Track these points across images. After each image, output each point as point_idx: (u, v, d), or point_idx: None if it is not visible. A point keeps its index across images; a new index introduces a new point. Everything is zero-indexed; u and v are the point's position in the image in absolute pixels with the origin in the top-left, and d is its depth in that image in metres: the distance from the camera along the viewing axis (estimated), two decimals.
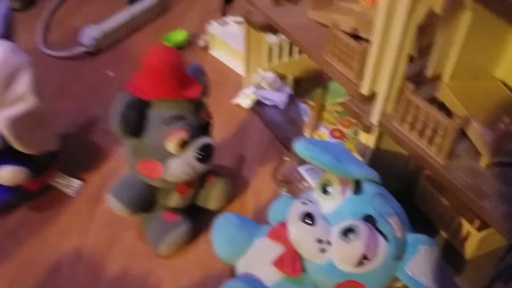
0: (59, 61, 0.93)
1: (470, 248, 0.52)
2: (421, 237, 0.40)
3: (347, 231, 0.38)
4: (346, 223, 0.39)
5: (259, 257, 0.46)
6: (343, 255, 0.38)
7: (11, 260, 0.57)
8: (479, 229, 0.50)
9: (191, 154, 0.50)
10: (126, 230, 0.61)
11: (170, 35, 0.98)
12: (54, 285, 0.55)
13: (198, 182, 0.58)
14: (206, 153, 0.51)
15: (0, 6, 0.60)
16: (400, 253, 0.39)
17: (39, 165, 0.63)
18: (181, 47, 0.97)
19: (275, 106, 0.80)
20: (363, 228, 0.37)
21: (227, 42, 0.92)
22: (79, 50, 0.93)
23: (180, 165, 0.50)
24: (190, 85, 0.49)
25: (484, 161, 0.42)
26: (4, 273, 0.55)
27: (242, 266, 0.47)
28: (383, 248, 0.38)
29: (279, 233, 0.44)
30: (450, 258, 0.53)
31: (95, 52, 0.95)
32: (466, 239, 0.52)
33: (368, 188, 0.41)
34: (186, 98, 0.48)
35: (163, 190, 0.55)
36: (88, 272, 0.56)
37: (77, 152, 0.74)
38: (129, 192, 0.54)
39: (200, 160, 0.51)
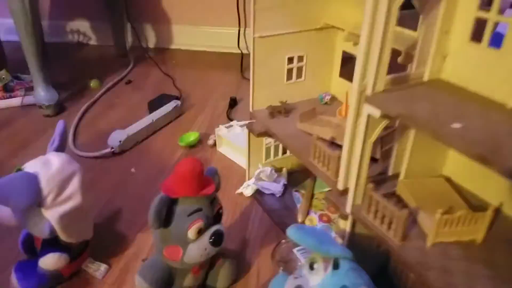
0: (88, 160, 1.10)
1: None
2: None
3: None
4: None
5: None
6: None
7: None
8: None
9: (206, 239, 0.63)
10: None
11: (184, 136, 1.17)
12: None
13: (208, 264, 0.70)
14: (218, 238, 0.64)
15: (58, 125, 0.78)
16: None
17: (75, 252, 0.76)
18: (193, 146, 1.16)
19: (272, 195, 0.95)
20: None
21: (232, 142, 1.10)
22: (106, 151, 1.11)
23: (197, 249, 0.63)
24: (207, 184, 0.64)
25: (429, 241, 0.56)
26: None
27: None
28: None
29: None
30: None
31: (120, 152, 1.13)
32: None
33: (344, 264, 0.54)
34: (204, 195, 0.63)
35: (181, 271, 0.67)
36: None
37: (104, 239, 0.86)
38: (154, 273, 0.66)
39: (213, 243, 0.64)
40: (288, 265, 0.74)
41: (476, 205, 0.61)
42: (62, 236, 0.71)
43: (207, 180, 0.65)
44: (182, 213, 0.62)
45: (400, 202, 0.64)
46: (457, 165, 0.67)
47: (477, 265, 0.53)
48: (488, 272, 0.52)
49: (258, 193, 0.96)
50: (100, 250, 0.82)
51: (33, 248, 0.75)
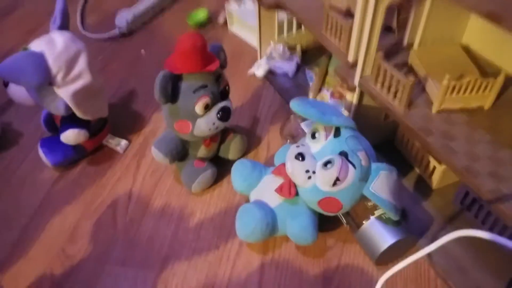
0: (98, 42, 1.11)
1: (435, 179, 0.67)
2: (382, 165, 0.56)
3: (327, 163, 0.55)
4: (326, 158, 0.55)
5: (266, 188, 0.64)
6: (323, 179, 0.55)
7: (77, 202, 0.76)
8: (442, 163, 0.65)
9: (213, 114, 0.67)
10: (166, 177, 0.79)
11: (193, 14, 1.14)
12: (112, 218, 0.73)
13: (220, 137, 0.75)
14: (225, 113, 0.67)
15: (57, 2, 0.78)
16: (365, 176, 0.55)
17: (94, 129, 0.82)
18: (203, 24, 1.14)
19: (285, 74, 0.96)
20: (337, 160, 0.54)
21: (243, 19, 1.07)
22: (115, 32, 1.11)
23: (205, 123, 0.67)
24: (211, 60, 0.65)
25: (434, 107, 0.57)
26: (73, 211, 0.75)
27: (254, 195, 0.65)
28: (352, 173, 0.54)
29: (280, 170, 0.62)
30: (421, 189, 0.69)
31: (128, 33, 1.12)
32: (432, 172, 0.67)
33: (345, 132, 0.57)
34: (208, 71, 0.65)
35: (193, 143, 0.73)
36: (138, 207, 0.75)
37: (122, 118, 0.92)
38: (168, 145, 0.72)
39: (220, 119, 0.67)
40: (295, 140, 0.78)
41: (490, 73, 0.60)
42: (78, 113, 0.76)
43: (211, 56, 0.65)
44: (187, 89, 0.64)
45: (410, 72, 0.63)
46: (476, 33, 0.64)
47: (479, 130, 0.54)
48: (489, 137, 0.53)
49: (270, 73, 0.97)
50: (119, 127, 0.88)
51: (55, 126, 0.82)
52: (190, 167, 0.73)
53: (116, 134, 0.87)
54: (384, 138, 0.75)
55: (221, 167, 0.75)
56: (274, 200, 0.62)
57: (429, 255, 0.60)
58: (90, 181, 0.80)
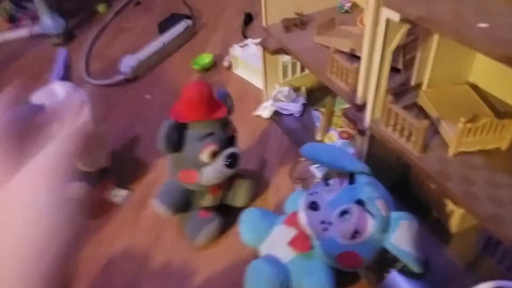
0: (102, 89, 1.12)
1: (454, 223, 0.64)
2: (402, 214, 0.54)
3: (343, 213, 0.53)
4: (342, 207, 0.53)
5: (278, 241, 0.60)
6: (340, 231, 0.53)
7: None
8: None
9: (220, 162, 0.65)
10: (168, 230, 0.75)
11: (198, 58, 1.16)
12: (107, 277, 0.69)
13: (227, 184, 0.73)
14: (232, 160, 0.66)
15: (60, 53, 0.79)
16: (385, 227, 0.53)
17: (93, 180, 0.79)
18: (208, 68, 1.15)
19: (291, 115, 0.95)
20: (355, 209, 0.52)
21: (247, 62, 1.08)
22: (119, 77, 1.12)
23: (212, 171, 0.65)
24: (218, 108, 0.64)
25: (451, 151, 0.55)
26: None
27: (264, 249, 0.62)
28: (371, 224, 0.52)
29: (293, 220, 0.59)
30: (440, 233, 0.66)
31: (133, 78, 1.14)
32: (451, 215, 0.65)
33: (360, 179, 0.55)
34: (215, 118, 0.64)
35: (199, 192, 0.71)
36: (136, 265, 0.70)
37: (125, 166, 0.90)
38: (171, 196, 0.70)
39: (227, 166, 0.66)
40: (305, 183, 0.76)
41: (502, 112, 0.59)
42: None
43: (218, 103, 0.65)
44: (193, 138, 0.63)
45: (421, 113, 0.62)
46: (484, 71, 0.64)
47: (500, 174, 0.52)
48: (510, 181, 0.51)
49: (276, 114, 0.96)
50: (121, 176, 0.86)
51: None
52: (195, 218, 0.70)
53: (117, 183, 0.84)
54: (397, 179, 0.73)
55: (227, 216, 0.73)
56: (287, 254, 0.58)
57: None
58: (88, 236, 0.76)
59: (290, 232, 0.59)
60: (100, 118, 1.03)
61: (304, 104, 0.95)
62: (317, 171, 0.74)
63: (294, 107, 0.94)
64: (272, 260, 0.58)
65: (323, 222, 0.54)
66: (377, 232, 0.52)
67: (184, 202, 0.71)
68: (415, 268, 0.53)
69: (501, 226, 0.47)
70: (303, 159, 0.79)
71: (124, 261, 0.71)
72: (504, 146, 0.55)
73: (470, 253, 0.63)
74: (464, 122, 0.52)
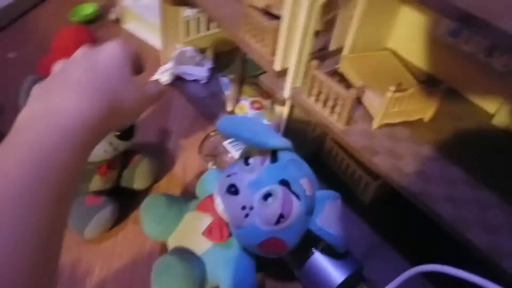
0: None
1: (369, 195, 0.63)
2: (327, 192, 0.49)
3: (267, 196, 0.46)
4: (265, 189, 0.46)
5: (189, 230, 0.52)
6: (264, 217, 0.46)
7: None
8: (376, 178, 0.61)
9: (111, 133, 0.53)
10: None
11: (78, 8, 0.96)
12: None
13: (121, 162, 0.61)
14: (126, 130, 0.54)
15: None
16: (310, 209, 0.48)
17: None
18: (90, 21, 0.96)
19: (196, 81, 0.85)
20: (279, 192, 0.45)
21: (141, 15, 0.93)
22: None
23: (100, 143, 0.53)
24: None
25: (375, 123, 0.52)
26: None
27: (174, 240, 0.52)
28: (297, 206, 0.46)
29: (207, 205, 0.51)
30: (354, 206, 0.64)
31: None
32: (366, 188, 0.63)
33: (283, 156, 0.49)
34: None
35: (85, 173, 0.57)
36: None
37: None
38: None
39: (120, 137, 0.54)
40: (217, 160, 0.68)
41: (424, 80, 0.57)
42: None
43: None
44: None
45: (343, 81, 0.58)
46: (403, 36, 0.61)
47: (425, 146, 0.50)
48: (436, 154, 0.50)
49: (178, 79, 0.85)
50: None
51: None
52: (81, 206, 0.57)
53: None
54: (310, 152, 0.69)
55: (124, 200, 0.60)
56: (201, 245, 0.50)
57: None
58: None
59: (203, 220, 0.51)
60: None
61: (211, 69, 0.85)
62: (231, 148, 0.66)
63: (200, 72, 0.84)
64: (183, 253, 0.50)
65: (244, 207, 0.46)
66: (302, 214, 0.47)
67: None
68: (339, 248, 0.50)
69: (429, 203, 0.45)
70: (213, 132, 0.70)
71: None
72: (427, 116, 0.53)
73: (387, 225, 0.63)
74: (394, 91, 0.48)
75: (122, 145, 0.55)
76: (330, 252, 0.52)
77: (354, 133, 0.52)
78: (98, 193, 0.59)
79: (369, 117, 0.53)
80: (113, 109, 0.34)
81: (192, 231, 0.51)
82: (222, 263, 0.50)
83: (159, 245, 0.57)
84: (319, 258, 0.52)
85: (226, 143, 0.66)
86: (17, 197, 0.24)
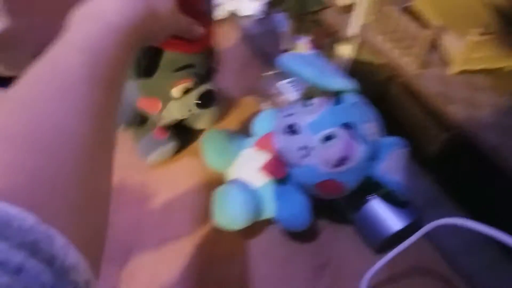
0: None
1: (434, 149, 0.60)
2: (393, 140, 0.47)
3: (328, 138, 0.44)
4: (327, 131, 0.45)
5: (247, 165, 0.52)
6: (323, 159, 0.45)
7: None
8: (445, 130, 0.57)
9: (192, 99, 0.54)
10: (118, 144, 0.64)
11: None
12: None
13: None
14: (206, 100, 0.55)
15: None
16: (373, 154, 0.46)
17: None
18: None
19: (250, 17, 0.81)
20: (342, 134, 0.44)
21: None
22: None
23: (179, 107, 0.55)
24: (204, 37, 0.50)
25: (453, 69, 0.48)
26: None
27: (232, 173, 0.54)
28: (359, 150, 0.44)
29: (265, 143, 0.50)
30: (418, 157, 0.61)
31: None
32: (433, 139, 0.59)
33: (347, 98, 0.47)
34: (198, 52, 0.51)
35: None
36: None
37: None
38: (124, 108, 0.57)
39: (199, 106, 0.55)
40: (272, 100, 0.66)
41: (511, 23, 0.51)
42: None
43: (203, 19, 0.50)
44: (167, 66, 0.50)
45: (417, 20, 0.53)
46: None
47: (506, 97, 0.46)
48: None
49: (232, 14, 0.82)
50: None
51: None
52: (149, 137, 0.60)
53: None
54: (374, 97, 0.65)
55: (185, 136, 0.62)
56: (258, 179, 0.51)
57: (430, 236, 0.54)
58: None
59: (261, 156, 0.51)
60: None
61: (267, 4, 0.81)
62: (287, 88, 0.63)
63: (255, 7, 0.80)
64: (243, 185, 0.51)
65: (302, 148, 0.46)
66: (364, 159, 0.46)
67: (138, 114, 0.59)
68: (401, 196, 0.48)
69: (506, 157, 0.41)
70: (267, 72, 0.68)
71: None
72: (510, 66, 0.48)
73: (450, 181, 0.60)
74: (478, 34, 0.44)
75: (199, 112, 0.57)
76: (390, 199, 0.51)
77: (428, 78, 0.48)
78: (165, 128, 0.61)
79: (445, 62, 0.49)
80: (149, 12, 0.36)
81: (250, 166, 0.52)
82: (278, 197, 0.51)
83: (216, 176, 0.58)
84: (378, 204, 0.51)
85: (282, 83, 0.64)
86: (77, 83, 0.27)
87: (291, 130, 0.46)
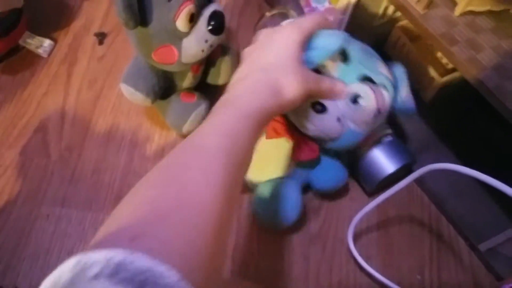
0: None
1: (430, 92, 0.64)
2: (396, 66, 0.51)
3: (356, 98, 0.46)
4: (350, 93, 0.46)
5: (269, 159, 0.55)
6: (360, 120, 0.48)
7: None
8: (442, 75, 0.62)
9: (203, 27, 0.51)
10: (108, 89, 0.65)
11: None
12: (43, 145, 0.60)
13: (206, 59, 0.59)
14: (218, 21, 0.51)
15: None
16: (395, 91, 0.49)
17: (5, 24, 0.63)
18: None
19: None
20: (366, 89, 0.46)
21: None
22: None
23: (195, 42, 0.52)
24: None
25: (458, 9, 0.51)
26: None
27: (256, 172, 0.54)
28: (387, 96, 0.47)
29: (277, 130, 0.53)
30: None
31: None
32: (430, 84, 0.64)
33: (353, 52, 0.47)
34: None
35: (179, 73, 0.58)
36: (76, 130, 0.62)
37: (44, 9, 0.71)
38: (146, 80, 0.56)
39: (213, 31, 0.52)
40: None
41: None
42: None
43: None
44: (160, 0, 0.48)
45: None
46: None
47: (508, 40, 0.50)
48: None
49: None
50: (39, 22, 0.70)
51: None
52: (177, 104, 0.59)
53: (36, 31, 0.68)
54: (374, 41, 0.67)
55: (212, 94, 0.62)
56: (287, 169, 0.55)
57: (420, 181, 0.60)
58: (8, 95, 0.64)
59: (283, 145, 0.54)
60: None
61: None
62: None
63: None
64: (287, 182, 0.54)
65: (339, 119, 0.48)
66: (391, 101, 0.49)
67: (162, 85, 0.58)
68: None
69: (504, 99, 0.47)
70: (268, 12, 0.68)
71: (60, 125, 0.63)
72: None
73: (444, 125, 0.65)
74: None
75: (216, 40, 0.54)
76: (390, 143, 0.57)
77: (434, 18, 0.51)
78: (189, 90, 0.61)
79: (451, 3, 0.52)
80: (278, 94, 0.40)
81: (273, 159, 0.55)
82: (317, 169, 0.55)
83: None
84: (377, 150, 0.57)
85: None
86: (216, 160, 0.31)
87: (320, 109, 0.47)
